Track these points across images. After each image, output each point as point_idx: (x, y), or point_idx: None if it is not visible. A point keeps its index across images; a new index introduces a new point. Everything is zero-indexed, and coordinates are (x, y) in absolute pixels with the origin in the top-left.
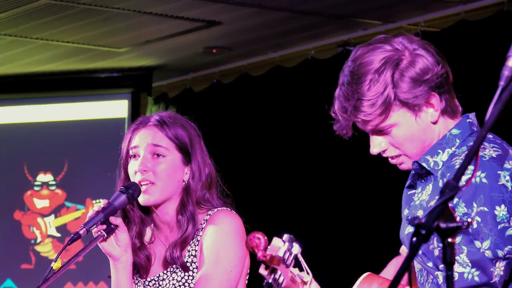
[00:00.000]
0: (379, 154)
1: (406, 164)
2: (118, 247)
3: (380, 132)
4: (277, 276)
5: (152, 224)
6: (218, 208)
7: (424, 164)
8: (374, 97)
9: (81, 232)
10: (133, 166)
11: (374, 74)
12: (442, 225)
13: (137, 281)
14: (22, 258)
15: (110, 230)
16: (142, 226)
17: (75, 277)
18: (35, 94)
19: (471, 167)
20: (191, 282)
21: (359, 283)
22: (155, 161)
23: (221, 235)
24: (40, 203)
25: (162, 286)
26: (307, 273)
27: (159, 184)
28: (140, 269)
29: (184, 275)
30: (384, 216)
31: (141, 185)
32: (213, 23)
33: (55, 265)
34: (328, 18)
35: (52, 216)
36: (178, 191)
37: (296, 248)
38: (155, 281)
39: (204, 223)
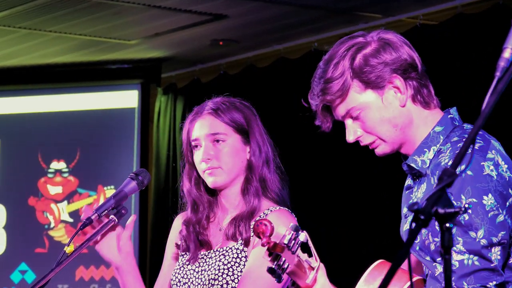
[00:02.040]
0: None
1: (380, 147)
2: (118, 255)
3: (352, 117)
4: (281, 262)
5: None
6: (281, 207)
7: (412, 165)
8: (337, 77)
9: (93, 217)
10: (197, 156)
11: (339, 58)
12: (441, 210)
13: (185, 255)
14: (36, 243)
15: (121, 215)
16: (210, 209)
17: (87, 261)
18: (49, 85)
19: (462, 166)
20: (236, 269)
21: (371, 269)
22: (216, 147)
23: None
24: (54, 190)
25: (207, 263)
26: (316, 259)
27: (225, 167)
28: (202, 247)
29: (231, 260)
30: (390, 210)
31: (207, 170)
32: (220, 17)
33: (68, 249)
34: (330, 12)
35: (65, 202)
36: (243, 170)
37: (303, 236)
38: (205, 255)
39: (267, 214)
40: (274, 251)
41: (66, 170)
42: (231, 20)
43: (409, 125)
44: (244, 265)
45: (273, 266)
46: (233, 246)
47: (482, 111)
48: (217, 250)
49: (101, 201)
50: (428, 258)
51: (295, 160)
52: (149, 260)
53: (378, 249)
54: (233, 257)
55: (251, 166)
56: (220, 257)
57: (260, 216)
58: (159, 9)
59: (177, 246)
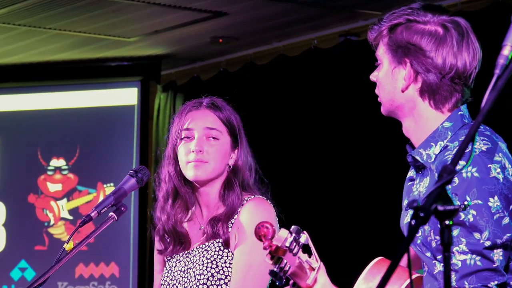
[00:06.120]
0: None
1: (382, 107)
2: None
3: (377, 62)
4: (282, 265)
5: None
6: (256, 196)
7: (417, 157)
8: (386, 23)
9: (92, 214)
10: (185, 147)
11: (400, 13)
12: (440, 207)
13: (171, 259)
14: (36, 240)
15: (120, 212)
16: (187, 203)
17: (87, 258)
18: (49, 82)
19: (462, 162)
20: (219, 261)
21: (370, 267)
22: (209, 142)
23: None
24: (53, 187)
25: (192, 260)
26: (316, 259)
27: (212, 163)
28: (181, 242)
29: (214, 254)
30: (390, 206)
31: (193, 163)
32: (219, 14)
33: (68, 247)
34: (330, 9)
35: (65, 199)
36: (224, 173)
37: (304, 238)
38: (189, 254)
39: (243, 205)
40: (276, 254)
41: (66, 167)
42: (231, 17)
43: (411, 110)
44: (227, 256)
45: (275, 269)
46: (214, 241)
47: (482, 108)
48: (199, 247)
49: (101, 198)
50: (428, 254)
51: (294, 157)
52: (149, 258)
53: (377, 247)
54: (215, 251)
55: (236, 171)
56: (203, 253)
57: (237, 210)
58: (158, 6)
59: (160, 252)
